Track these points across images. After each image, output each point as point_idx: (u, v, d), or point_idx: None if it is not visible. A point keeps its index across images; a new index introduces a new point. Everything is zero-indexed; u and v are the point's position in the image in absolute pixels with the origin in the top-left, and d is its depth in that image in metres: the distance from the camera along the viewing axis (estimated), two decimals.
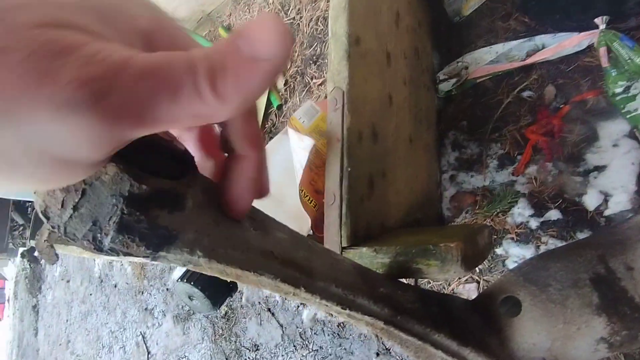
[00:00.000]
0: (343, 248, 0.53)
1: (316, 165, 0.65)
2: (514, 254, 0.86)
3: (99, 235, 0.25)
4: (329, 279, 0.37)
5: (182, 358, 1.86)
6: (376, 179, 0.64)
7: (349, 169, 0.55)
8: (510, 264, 0.85)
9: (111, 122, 0.13)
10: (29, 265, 3.85)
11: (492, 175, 0.96)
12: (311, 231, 0.61)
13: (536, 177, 0.88)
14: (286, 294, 0.34)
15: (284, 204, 0.55)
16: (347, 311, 0.38)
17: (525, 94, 0.93)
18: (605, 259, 0.50)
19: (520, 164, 0.91)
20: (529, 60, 0.88)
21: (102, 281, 2.81)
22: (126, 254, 0.26)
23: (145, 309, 2.23)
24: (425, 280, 0.93)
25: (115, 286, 2.60)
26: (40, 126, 0.12)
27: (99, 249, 0.26)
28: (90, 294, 2.98)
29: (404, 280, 0.51)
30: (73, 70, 0.12)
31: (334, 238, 0.54)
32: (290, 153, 0.59)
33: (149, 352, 2.13)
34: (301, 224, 0.56)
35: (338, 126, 0.57)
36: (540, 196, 0.86)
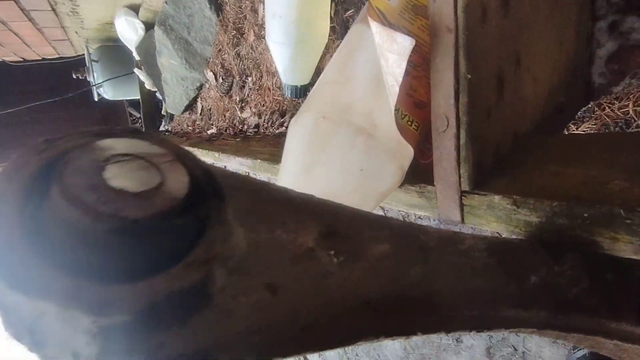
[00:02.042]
0: (463, 192, 0.39)
1: (414, 64, 0.46)
2: None
3: None
4: (459, 302, 0.25)
5: None
6: (507, 72, 0.43)
7: (469, 76, 0.36)
8: None
9: None
10: None
11: None
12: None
13: None
14: (393, 341, 0.23)
15: (374, 137, 0.40)
16: (485, 332, 0.26)
17: None
18: None
19: None
20: None
21: None
22: None
23: None
24: None
25: None
26: None
27: None
28: None
29: None
30: None
31: (449, 178, 0.39)
32: (377, 56, 0.41)
33: None
34: (402, 159, 0.41)
35: (448, 3, 0.36)
36: None
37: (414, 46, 0.42)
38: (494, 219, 0.37)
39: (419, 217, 1.11)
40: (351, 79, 0.41)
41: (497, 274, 0.28)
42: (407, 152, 0.42)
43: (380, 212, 1.29)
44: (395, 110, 0.41)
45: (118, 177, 0.14)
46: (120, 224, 0.13)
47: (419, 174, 0.46)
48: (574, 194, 0.32)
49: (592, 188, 0.32)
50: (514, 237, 0.35)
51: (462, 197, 0.39)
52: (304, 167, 0.38)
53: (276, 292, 0.18)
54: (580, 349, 0.75)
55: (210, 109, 1.78)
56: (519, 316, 0.27)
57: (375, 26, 0.38)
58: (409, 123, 0.42)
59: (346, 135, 0.38)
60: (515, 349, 0.99)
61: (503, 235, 0.38)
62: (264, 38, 1.08)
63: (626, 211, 0.27)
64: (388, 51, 0.37)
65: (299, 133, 0.41)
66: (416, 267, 0.24)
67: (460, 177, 0.38)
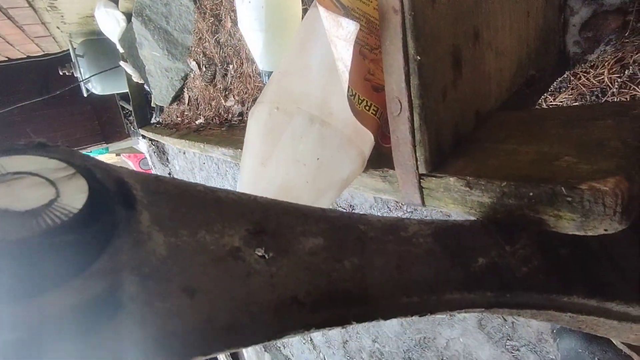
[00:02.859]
0: (421, 176, 0.39)
1: (371, 47, 0.45)
2: None
3: None
4: (397, 291, 0.25)
5: None
6: (464, 49, 0.42)
7: (419, 58, 0.35)
8: None
9: None
10: (152, 142, 4.40)
11: None
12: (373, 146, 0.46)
13: None
14: (329, 330, 0.24)
15: (329, 125, 0.39)
16: (428, 315, 0.27)
17: None
18: None
19: None
20: None
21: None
22: None
23: None
24: None
25: None
26: None
27: None
28: (204, 163, 3.36)
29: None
30: None
31: (406, 162, 0.39)
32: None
33: None
34: (361, 144, 0.41)
35: None
36: None
37: (368, 24, 0.41)
38: (451, 201, 0.37)
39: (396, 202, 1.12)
40: (305, 67, 0.40)
41: (440, 259, 0.28)
42: (367, 137, 0.42)
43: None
44: (352, 95, 0.41)
45: (2, 197, 0.14)
46: (2, 245, 0.13)
47: (383, 158, 0.46)
48: (522, 173, 0.32)
49: (541, 166, 0.32)
50: (469, 218, 0.35)
51: (421, 180, 0.39)
52: (261, 161, 0.38)
53: (194, 295, 0.18)
54: None
55: (197, 99, 1.77)
56: (464, 298, 0.28)
57: (322, 11, 0.37)
58: (367, 108, 0.42)
59: (299, 124, 0.37)
60: (505, 320, 1.01)
61: (463, 217, 0.38)
62: None
63: (567, 189, 0.27)
64: (336, 37, 0.36)
65: (254, 126, 0.40)
66: (352, 258, 0.24)
67: (417, 161, 0.38)
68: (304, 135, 0.38)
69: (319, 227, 0.25)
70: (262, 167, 0.38)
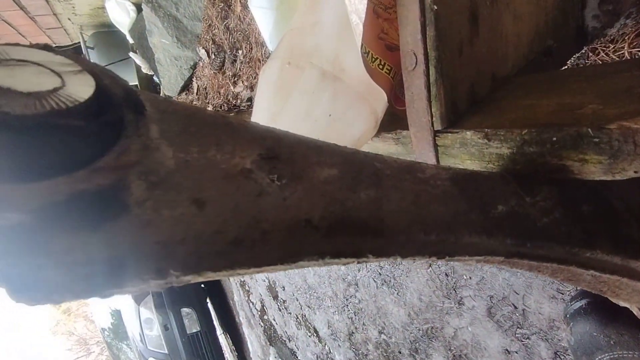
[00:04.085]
0: (436, 132, 0.37)
1: (385, 6, 0.44)
2: None
3: None
4: (414, 226, 0.24)
5: None
6: (482, 6, 0.41)
7: (436, 7, 0.34)
8: None
9: None
10: None
11: None
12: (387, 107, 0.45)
13: None
14: (345, 264, 0.23)
15: (342, 81, 0.38)
16: (447, 259, 0.25)
17: None
18: None
19: None
20: None
21: None
22: None
23: None
24: None
25: None
26: None
27: None
28: None
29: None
30: None
31: (421, 119, 0.38)
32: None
33: None
34: (374, 103, 0.40)
35: None
36: None
37: None
38: (468, 157, 0.36)
39: None
40: (317, 23, 0.39)
41: (458, 201, 0.27)
42: (380, 96, 0.41)
43: None
44: (365, 53, 0.40)
45: (4, 78, 0.14)
46: (2, 118, 0.13)
47: (396, 121, 0.45)
48: (544, 121, 0.30)
49: (564, 114, 0.30)
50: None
51: (436, 138, 0.38)
52: (271, 116, 0.37)
53: (203, 207, 0.17)
54: (577, 301, 0.75)
55: (205, 88, 1.77)
56: (484, 243, 0.27)
57: None
58: (380, 66, 0.41)
59: (311, 79, 0.36)
60: (516, 307, 0.99)
61: None
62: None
63: (594, 130, 0.26)
64: None
65: (265, 82, 0.39)
66: (368, 191, 0.23)
67: (432, 117, 0.37)
68: (315, 90, 0.37)
69: (334, 160, 0.24)
70: (273, 123, 0.37)
